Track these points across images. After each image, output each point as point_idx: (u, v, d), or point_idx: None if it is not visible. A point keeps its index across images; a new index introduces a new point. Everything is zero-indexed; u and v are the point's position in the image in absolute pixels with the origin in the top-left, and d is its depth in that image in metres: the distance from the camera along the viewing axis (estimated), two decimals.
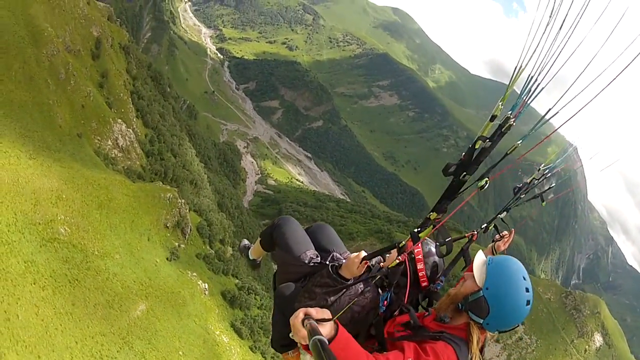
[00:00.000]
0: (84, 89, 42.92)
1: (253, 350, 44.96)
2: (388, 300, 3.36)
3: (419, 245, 3.35)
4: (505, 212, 4.11)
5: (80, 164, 37.05)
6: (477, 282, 2.91)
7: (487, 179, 2.83)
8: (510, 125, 2.64)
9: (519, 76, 2.56)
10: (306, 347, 2.41)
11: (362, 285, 3.45)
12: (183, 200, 46.80)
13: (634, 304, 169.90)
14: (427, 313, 3.26)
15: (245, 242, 5.42)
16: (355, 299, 3.41)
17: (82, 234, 32.25)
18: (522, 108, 2.67)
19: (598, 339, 77.02)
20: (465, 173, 2.81)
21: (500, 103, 2.65)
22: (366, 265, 3.26)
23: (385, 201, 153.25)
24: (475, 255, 3.11)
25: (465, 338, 2.89)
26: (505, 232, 4.16)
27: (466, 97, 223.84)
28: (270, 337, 4.36)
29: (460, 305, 2.94)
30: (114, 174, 40.73)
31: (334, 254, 4.14)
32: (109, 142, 44.26)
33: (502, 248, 4.10)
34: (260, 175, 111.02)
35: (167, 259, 42.75)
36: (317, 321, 2.31)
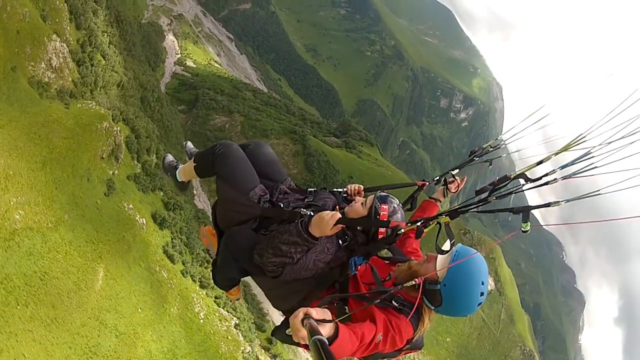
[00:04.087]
0: (19, 12, 33.88)
1: (184, 275, 45.27)
2: (360, 263, 3.33)
3: (385, 205, 3.40)
4: (457, 170, 4.29)
5: (18, 109, 31.25)
6: (438, 275, 2.95)
7: (529, 224, 2.83)
8: (551, 182, 2.94)
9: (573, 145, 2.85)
10: (305, 346, 2.42)
11: (326, 241, 3.38)
12: (118, 128, 42.70)
13: (531, 251, 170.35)
14: (388, 277, 3.30)
15: (169, 158, 4.68)
16: (322, 256, 3.37)
17: (34, 209, 29.08)
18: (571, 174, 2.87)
19: (490, 283, 79.78)
20: (492, 195, 3.12)
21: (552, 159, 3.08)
22: (340, 228, 3.21)
23: (300, 92, 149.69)
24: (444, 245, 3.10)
25: (421, 309, 3.06)
26: (457, 178, 4.30)
27: (402, 7, 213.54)
28: (212, 274, 4.12)
29: (417, 286, 2.96)
30: (49, 106, 34.87)
31: (281, 186, 3.99)
32: (42, 65, 37.15)
33: (453, 191, 4.31)
34: (179, 55, 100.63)
35: (104, 194, 39.77)
36: (317, 321, 2.29)
